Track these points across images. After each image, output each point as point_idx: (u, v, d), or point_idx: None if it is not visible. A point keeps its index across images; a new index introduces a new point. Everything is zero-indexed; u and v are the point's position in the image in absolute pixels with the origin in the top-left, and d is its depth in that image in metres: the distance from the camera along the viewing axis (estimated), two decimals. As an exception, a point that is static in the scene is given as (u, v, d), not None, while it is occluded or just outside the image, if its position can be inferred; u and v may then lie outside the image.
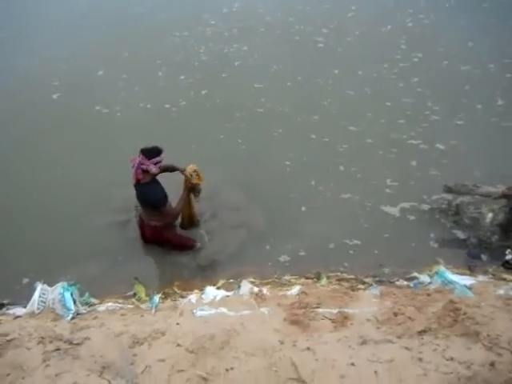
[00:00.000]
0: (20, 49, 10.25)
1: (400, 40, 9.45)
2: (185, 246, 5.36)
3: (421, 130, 7.00)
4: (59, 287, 4.11)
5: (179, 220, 5.52)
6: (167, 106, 7.84)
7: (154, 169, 4.74)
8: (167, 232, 5.24)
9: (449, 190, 5.58)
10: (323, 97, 7.94)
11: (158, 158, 4.76)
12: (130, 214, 5.80)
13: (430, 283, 4.36)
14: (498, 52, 8.80)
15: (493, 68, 8.36)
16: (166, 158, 4.87)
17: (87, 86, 8.58)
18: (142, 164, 4.73)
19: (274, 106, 7.75)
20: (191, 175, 4.97)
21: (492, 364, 2.65)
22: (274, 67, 8.88)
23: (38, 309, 3.99)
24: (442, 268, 4.38)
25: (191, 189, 5.07)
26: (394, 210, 5.74)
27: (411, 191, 5.93)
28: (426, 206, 5.74)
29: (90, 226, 5.65)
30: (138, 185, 4.90)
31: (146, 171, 4.77)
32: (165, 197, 4.95)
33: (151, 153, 4.74)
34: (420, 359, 2.75)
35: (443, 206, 5.69)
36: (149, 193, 4.91)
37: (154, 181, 4.91)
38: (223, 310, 3.71)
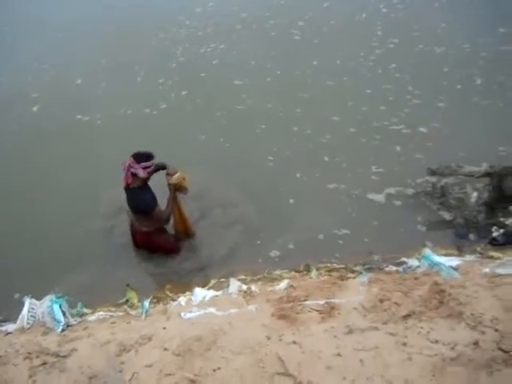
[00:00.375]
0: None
1: (376, 27, 9.46)
2: (171, 251, 5.37)
3: (403, 115, 7.01)
4: (47, 300, 4.10)
5: (172, 229, 5.51)
6: (147, 110, 7.82)
7: (141, 173, 4.73)
8: (157, 237, 5.25)
9: (432, 172, 5.60)
10: (303, 89, 7.94)
11: (147, 163, 4.75)
12: (117, 219, 5.77)
13: (418, 267, 4.37)
14: (472, 32, 8.83)
15: (468, 48, 8.38)
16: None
17: (67, 96, 8.57)
18: (131, 167, 4.73)
19: (255, 102, 7.74)
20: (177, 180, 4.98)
21: (476, 343, 2.66)
22: (252, 63, 8.87)
23: (28, 323, 3.97)
24: (427, 251, 4.39)
25: (177, 189, 5.05)
26: (380, 197, 5.75)
27: (396, 177, 5.94)
28: (411, 191, 5.75)
29: (78, 234, 5.64)
30: (128, 189, 4.90)
31: (134, 175, 4.77)
32: (154, 201, 4.93)
33: (141, 157, 4.75)
34: (404, 344, 2.77)
35: (428, 188, 5.71)
36: (137, 198, 4.90)
37: (143, 186, 4.90)
38: (211, 310, 3.71)
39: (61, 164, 6.84)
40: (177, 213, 5.25)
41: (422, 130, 6.67)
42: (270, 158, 6.51)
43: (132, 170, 4.74)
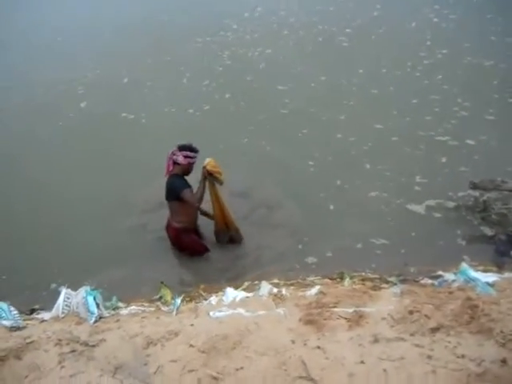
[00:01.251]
0: (46, 57, 10.56)
1: (425, 36, 9.33)
2: (197, 252, 5.45)
3: (449, 127, 6.93)
4: (82, 291, 4.20)
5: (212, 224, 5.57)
6: (191, 110, 7.98)
7: (181, 159, 5.03)
8: (186, 236, 5.36)
9: (475, 186, 5.49)
10: (348, 96, 7.95)
11: (189, 153, 5.05)
12: (155, 216, 5.92)
13: (453, 281, 4.27)
14: None
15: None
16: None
17: (113, 94, 8.84)
18: (174, 154, 5.04)
19: (298, 106, 7.80)
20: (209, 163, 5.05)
21: (504, 361, 2.59)
22: (298, 69, 8.94)
23: (63, 313, 4.07)
24: (464, 265, 4.29)
25: (210, 175, 5.10)
26: (420, 208, 5.70)
27: (439, 188, 5.90)
28: (452, 204, 5.66)
29: (116, 230, 5.85)
30: (168, 177, 5.15)
31: (175, 163, 5.08)
32: (186, 185, 5.11)
33: (185, 147, 5.08)
34: (430, 356, 2.72)
35: (470, 202, 5.60)
36: (171, 181, 5.12)
37: (181, 176, 5.13)
38: (240, 310, 3.73)
39: (104, 160, 7.05)
40: (216, 205, 5.29)
41: (469, 142, 6.57)
42: (311, 163, 6.54)
43: (174, 157, 5.04)
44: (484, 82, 7.79)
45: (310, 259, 5.22)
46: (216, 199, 5.27)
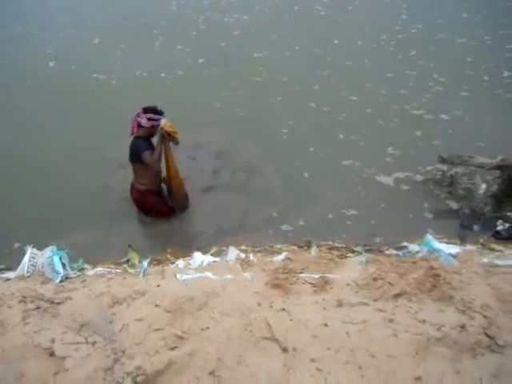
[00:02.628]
0: (17, 16, 10.25)
1: (401, 10, 9.32)
2: (164, 213, 5.43)
3: (424, 101, 7.00)
4: (48, 251, 4.16)
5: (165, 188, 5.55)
6: (163, 74, 7.88)
7: (145, 122, 4.97)
8: (151, 197, 5.33)
9: (443, 160, 5.56)
10: (322, 67, 7.93)
11: (152, 115, 4.97)
12: (121, 177, 5.87)
13: (417, 252, 4.36)
14: (493, 24, 8.67)
15: (489, 40, 8.24)
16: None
17: (83, 54, 8.67)
18: (138, 117, 4.99)
19: (272, 74, 7.76)
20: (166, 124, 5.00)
21: (463, 326, 2.68)
22: (273, 36, 8.86)
23: (28, 272, 4.04)
24: (428, 236, 4.38)
25: (167, 136, 5.05)
26: (390, 180, 5.73)
27: (410, 161, 5.94)
28: (420, 177, 5.71)
29: (83, 191, 5.75)
30: (132, 139, 5.09)
31: (140, 125, 5.03)
32: (148, 147, 5.04)
33: (149, 110, 5.00)
34: (391, 320, 2.79)
35: (437, 176, 5.68)
36: (133, 144, 5.08)
37: (145, 138, 5.07)
38: (208, 274, 3.75)
39: (72, 120, 6.95)
40: (170, 166, 5.25)
41: (444, 116, 6.62)
42: (284, 130, 6.53)
43: (138, 119, 4.99)
44: (457, 59, 7.85)
45: (285, 227, 5.23)
46: (170, 161, 5.23)
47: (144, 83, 7.78)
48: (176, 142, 5.11)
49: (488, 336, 2.63)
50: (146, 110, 5.00)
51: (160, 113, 5.05)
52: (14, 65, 8.53)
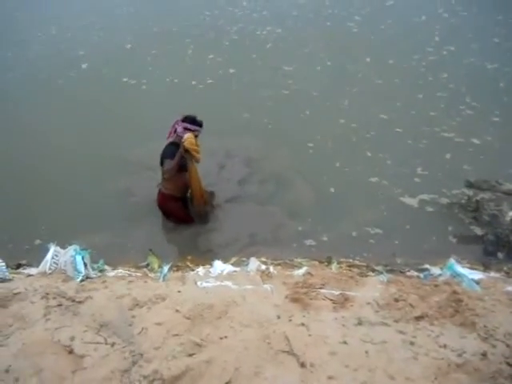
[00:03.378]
0: (52, 18, 10.46)
1: (434, 31, 9.31)
2: (183, 220, 5.46)
3: (454, 124, 6.91)
4: (71, 250, 4.20)
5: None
6: (194, 82, 7.95)
7: (180, 130, 5.04)
8: (173, 203, 5.39)
9: (470, 184, 5.53)
10: (352, 83, 7.92)
11: (190, 125, 5.05)
12: (144, 180, 5.98)
13: (439, 275, 4.32)
14: None
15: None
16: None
17: (115, 58, 8.81)
18: (176, 123, 5.07)
19: (302, 88, 7.79)
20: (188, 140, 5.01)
21: (484, 354, 2.63)
22: (305, 51, 8.89)
23: (50, 269, 4.09)
24: (452, 261, 4.33)
25: (186, 152, 5.06)
26: (415, 201, 5.69)
27: (437, 183, 5.88)
28: (445, 200, 5.66)
29: (106, 192, 5.82)
30: (166, 144, 5.18)
31: (175, 132, 5.10)
32: (174, 156, 5.05)
33: (188, 119, 5.08)
34: (412, 343, 2.76)
35: (463, 201, 5.61)
36: (165, 150, 5.16)
37: (177, 145, 5.08)
38: (228, 283, 3.76)
39: (99, 122, 7.06)
40: (191, 178, 5.27)
41: (475, 141, 6.53)
42: (311, 144, 6.54)
43: (176, 125, 5.06)
44: (489, 84, 7.77)
45: (309, 241, 5.23)
46: (191, 174, 5.25)
47: (174, 89, 7.87)
48: (195, 159, 5.13)
49: (510, 365, 2.59)
50: (185, 119, 5.07)
51: (199, 124, 5.10)
52: (46, 65, 8.69)
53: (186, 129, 5.02)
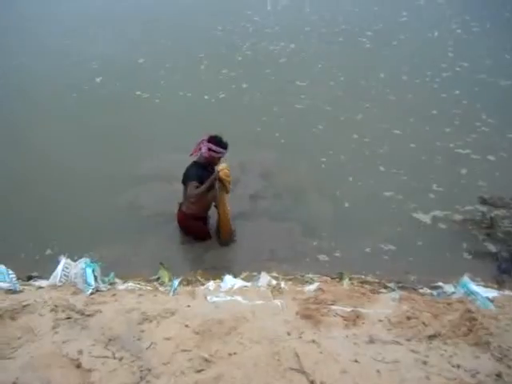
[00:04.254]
0: (65, 31, 10.61)
1: (447, 47, 9.33)
2: (198, 237, 5.44)
3: (470, 141, 6.87)
4: (82, 263, 4.21)
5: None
6: (206, 97, 7.99)
7: (204, 149, 5.00)
8: (192, 222, 5.37)
9: (483, 201, 5.50)
10: (366, 99, 7.93)
11: (214, 147, 4.99)
12: (155, 194, 6.01)
13: (453, 293, 4.25)
14: None
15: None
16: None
17: (128, 72, 8.95)
18: (202, 142, 5.02)
19: (315, 103, 7.82)
20: (223, 171, 5.09)
21: (499, 375, 2.57)
22: (318, 66, 8.93)
23: (60, 281, 4.09)
24: (465, 278, 4.26)
25: (219, 181, 5.12)
26: (429, 217, 5.65)
27: (449, 200, 5.84)
28: (459, 216, 5.61)
29: (117, 205, 5.85)
30: (191, 163, 5.18)
31: (200, 150, 5.06)
32: (197, 178, 5.04)
33: (214, 139, 5.03)
34: (425, 362, 2.70)
35: (477, 217, 5.56)
36: (188, 169, 5.15)
37: (200, 165, 5.12)
38: (238, 298, 3.72)
39: (113, 134, 7.12)
40: (222, 210, 5.31)
41: (491, 157, 6.48)
42: (324, 159, 6.53)
43: (201, 145, 5.01)
44: (503, 101, 7.73)
45: (322, 257, 5.21)
46: (224, 204, 5.30)
47: (187, 103, 7.93)
48: (226, 190, 5.15)
49: (525, 387, 2.52)
50: (211, 139, 5.02)
51: (224, 146, 5.05)
52: (60, 77, 8.80)
53: (210, 150, 5.00)
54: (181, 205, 5.38)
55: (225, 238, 5.47)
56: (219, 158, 5.14)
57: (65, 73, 8.99)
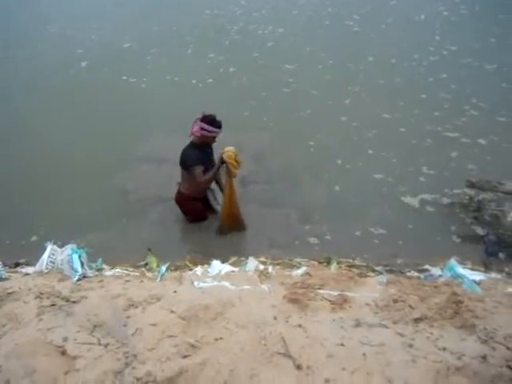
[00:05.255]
0: (50, 17, 10.47)
1: (435, 30, 9.32)
2: (198, 220, 5.40)
3: (459, 124, 6.84)
4: (68, 249, 4.18)
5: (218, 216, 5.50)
6: (194, 81, 7.94)
7: (196, 129, 4.95)
8: (189, 203, 5.39)
9: (471, 184, 5.50)
10: (354, 83, 7.90)
11: (206, 126, 4.92)
12: (145, 177, 5.99)
13: (440, 276, 4.27)
14: None
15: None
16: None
17: (114, 57, 8.86)
18: (195, 122, 4.96)
19: (303, 87, 7.77)
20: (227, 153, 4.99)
21: (484, 357, 2.57)
22: (307, 49, 8.87)
23: (47, 268, 4.06)
24: (452, 261, 4.28)
25: (223, 164, 5.04)
26: (416, 200, 5.66)
27: (438, 183, 5.88)
28: (447, 200, 5.63)
29: (105, 191, 5.82)
30: (187, 145, 5.14)
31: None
32: (196, 161, 5.00)
33: (206, 119, 4.97)
34: (411, 345, 2.70)
35: (465, 201, 5.58)
36: (184, 150, 5.09)
37: (197, 145, 5.09)
38: (225, 283, 3.71)
39: (99, 119, 7.06)
40: (227, 193, 5.21)
41: (481, 141, 6.48)
42: (312, 143, 6.52)
43: (194, 124, 4.96)
44: (491, 84, 7.73)
45: (312, 239, 5.22)
46: (229, 188, 5.20)
47: (174, 88, 7.86)
48: (232, 174, 5.07)
49: (510, 368, 2.53)
50: (203, 119, 4.94)
51: (217, 125, 4.98)
52: (46, 63, 8.71)
53: (202, 129, 4.94)
54: (179, 185, 5.36)
55: (229, 224, 5.40)
56: (214, 138, 5.07)
57: (49, 58, 8.87)
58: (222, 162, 4.99)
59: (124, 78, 8.18)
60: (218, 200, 5.50)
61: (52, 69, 8.49)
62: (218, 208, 5.45)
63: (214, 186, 5.48)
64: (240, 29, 9.79)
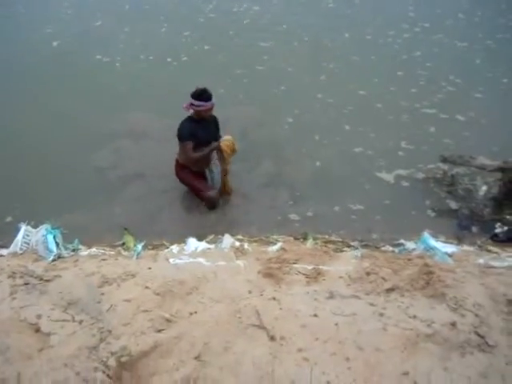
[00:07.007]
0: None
1: (408, 6, 9.29)
2: (194, 190, 5.37)
3: (436, 100, 6.89)
4: (43, 229, 4.15)
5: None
6: (169, 59, 7.85)
7: (185, 104, 4.92)
8: (182, 172, 5.31)
9: (444, 159, 5.55)
10: (329, 59, 7.89)
11: (193, 101, 4.88)
12: (122, 155, 5.94)
13: (414, 249, 4.35)
14: (491, 26, 8.66)
15: (492, 44, 8.20)
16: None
17: (86, 36, 8.68)
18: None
19: (278, 64, 7.75)
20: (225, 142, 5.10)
21: (453, 324, 2.64)
22: (283, 26, 8.81)
23: (21, 249, 4.04)
24: (425, 235, 4.36)
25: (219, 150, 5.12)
26: (392, 176, 5.70)
27: (412, 159, 5.89)
28: (421, 175, 5.68)
29: (82, 170, 5.71)
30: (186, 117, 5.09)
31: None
32: (188, 135, 4.97)
33: (194, 93, 4.91)
34: (382, 314, 2.76)
35: (438, 175, 5.64)
36: (181, 123, 5.04)
37: (193, 119, 5.04)
38: (200, 260, 3.73)
39: (73, 99, 6.95)
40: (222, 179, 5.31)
41: (459, 117, 6.53)
42: (291, 120, 6.52)
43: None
44: (465, 61, 7.80)
45: (293, 216, 5.19)
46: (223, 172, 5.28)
47: (148, 67, 7.77)
48: (225, 162, 5.18)
49: (478, 335, 2.61)
50: (192, 94, 4.89)
51: (203, 98, 4.89)
52: (15, 43, 8.49)
53: (191, 104, 4.89)
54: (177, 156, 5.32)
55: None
56: (206, 111, 4.98)
57: (19, 38, 8.65)
58: (219, 149, 5.06)
59: (98, 57, 8.04)
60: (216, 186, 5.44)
61: (22, 50, 8.28)
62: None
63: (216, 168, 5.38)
64: (214, 7, 9.67)
